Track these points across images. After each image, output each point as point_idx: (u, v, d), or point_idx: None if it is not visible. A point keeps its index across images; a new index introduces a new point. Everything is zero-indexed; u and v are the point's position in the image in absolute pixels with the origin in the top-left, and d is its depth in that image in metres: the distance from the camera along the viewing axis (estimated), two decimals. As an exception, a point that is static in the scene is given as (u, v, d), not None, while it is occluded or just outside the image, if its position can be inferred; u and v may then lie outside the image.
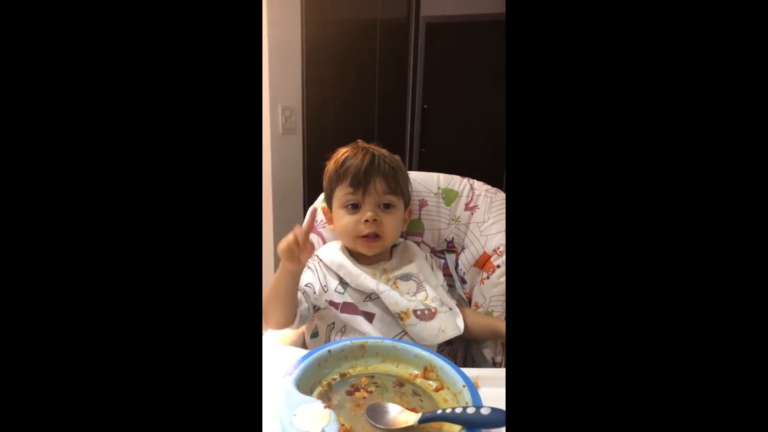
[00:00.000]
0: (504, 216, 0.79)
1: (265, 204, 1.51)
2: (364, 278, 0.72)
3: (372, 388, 0.53)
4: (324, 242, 0.83)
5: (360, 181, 0.71)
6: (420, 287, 0.74)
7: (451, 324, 0.71)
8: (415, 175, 0.84)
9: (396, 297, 0.70)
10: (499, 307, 0.78)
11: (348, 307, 0.72)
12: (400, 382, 0.55)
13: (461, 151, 3.44)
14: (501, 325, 0.73)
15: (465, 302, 0.84)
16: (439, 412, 0.45)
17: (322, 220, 0.84)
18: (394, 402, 0.49)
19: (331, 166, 0.75)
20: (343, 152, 0.75)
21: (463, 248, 0.84)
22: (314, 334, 0.76)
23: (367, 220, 0.71)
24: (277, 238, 1.53)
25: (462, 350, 0.83)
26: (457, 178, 0.85)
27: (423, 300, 0.72)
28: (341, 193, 0.73)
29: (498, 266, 0.78)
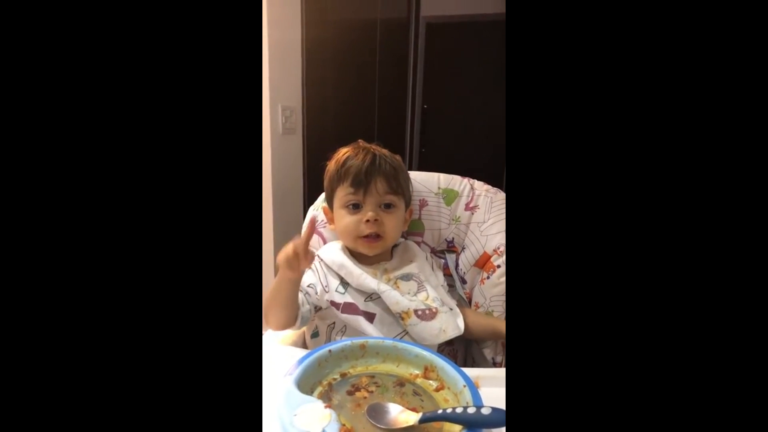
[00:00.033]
0: (504, 216, 0.79)
1: (265, 204, 1.51)
2: (365, 278, 0.72)
3: (372, 388, 0.53)
4: (324, 242, 0.83)
5: (361, 181, 0.71)
6: (421, 287, 0.74)
7: (451, 324, 0.71)
8: (415, 175, 0.84)
9: (397, 297, 0.70)
10: (499, 307, 0.78)
11: (349, 308, 0.72)
12: (401, 382, 0.55)
13: (461, 151, 3.44)
14: (501, 325, 0.73)
15: (465, 302, 0.84)
16: (440, 411, 0.45)
17: (322, 220, 0.84)
18: (394, 402, 0.49)
19: (332, 166, 0.75)
20: (344, 152, 0.75)
21: (463, 248, 0.84)
22: (315, 334, 0.76)
23: (368, 220, 0.71)
24: (277, 238, 1.54)
25: (462, 350, 0.83)
26: (457, 178, 0.85)
27: (424, 300, 0.72)
28: (342, 193, 0.73)
29: (498, 266, 0.78)
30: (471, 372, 0.52)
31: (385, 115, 2.61)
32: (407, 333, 0.71)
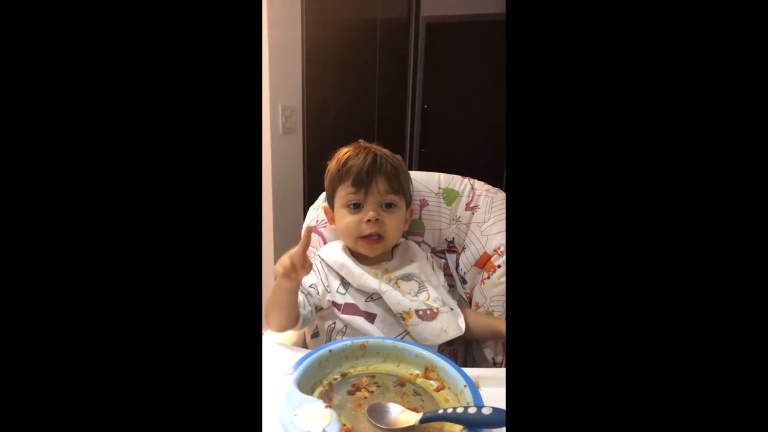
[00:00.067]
0: (505, 216, 0.79)
1: (265, 204, 1.51)
2: (366, 278, 0.72)
3: (373, 388, 0.53)
4: (325, 242, 0.83)
5: (362, 180, 0.71)
6: (422, 287, 0.74)
7: (453, 324, 0.71)
8: (415, 175, 0.84)
9: (398, 297, 0.70)
10: (499, 307, 0.78)
11: (349, 308, 0.72)
12: (401, 382, 0.55)
13: (461, 151, 3.44)
14: (501, 325, 0.73)
15: (465, 302, 0.84)
16: (441, 411, 0.45)
17: (322, 220, 0.84)
18: (395, 402, 0.49)
19: (332, 165, 0.75)
20: (345, 152, 0.75)
21: (463, 248, 0.84)
22: (315, 334, 0.76)
23: (369, 220, 0.71)
24: (277, 238, 1.54)
25: (462, 350, 0.83)
26: (457, 177, 0.85)
27: (425, 300, 0.72)
28: (343, 193, 0.73)
29: (499, 266, 0.78)
30: (471, 372, 0.52)
31: (385, 115, 2.61)
32: (408, 333, 0.71)
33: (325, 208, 0.81)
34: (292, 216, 1.62)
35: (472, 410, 0.43)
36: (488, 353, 0.79)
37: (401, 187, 0.75)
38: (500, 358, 0.77)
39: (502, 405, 0.41)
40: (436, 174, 0.85)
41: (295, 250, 0.58)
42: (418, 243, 0.84)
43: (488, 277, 0.79)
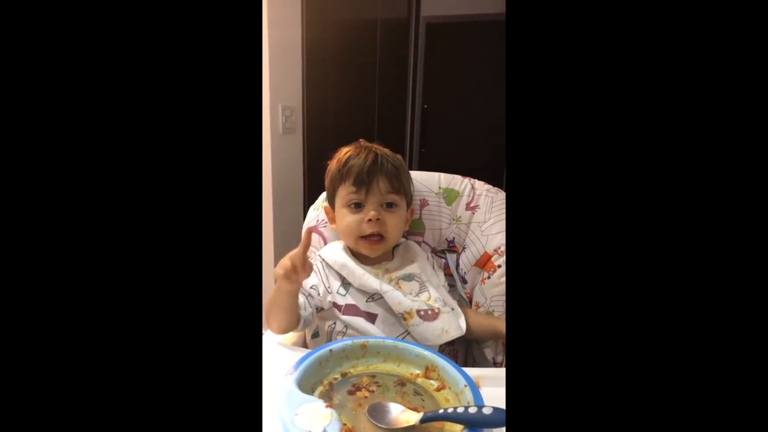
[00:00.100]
0: (505, 216, 0.79)
1: (265, 204, 1.51)
2: (368, 278, 0.72)
3: (373, 388, 0.53)
4: (325, 242, 0.83)
5: (363, 180, 0.71)
6: (423, 287, 0.74)
7: (454, 324, 0.71)
8: (416, 175, 0.84)
9: (399, 297, 0.70)
10: (500, 306, 0.78)
11: (350, 309, 0.72)
12: (402, 382, 0.55)
13: (461, 151, 3.44)
14: (502, 325, 0.73)
15: (466, 302, 0.84)
16: (441, 411, 0.45)
17: (323, 220, 0.84)
18: (395, 401, 0.49)
19: (333, 165, 0.75)
20: (345, 151, 0.75)
21: (464, 248, 0.84)
22: (315, 335, 0.76)
23: (370, 220, 0.71)
24: (277, 238, 1.54)
25: (463, 350, 0.83)
26: (458, 177, 0.85)
27: (426, 300, 0.72)
28: (344, 192, 0.73)
29: (499, 266, 0.78)
30: (472, 372, 0.52)
31: (385, 115, 2.61)
32: (409, 333, 0.71)
33: (325, 208, 0.81)
34: (292, 216, 1.62)
35: (472, 410, 0.43)
36: (488, 353, 0.79)
37: (402, 187, 0.75)
38: (500, 358, 0.77)
39: (503, 405, 0.41)
40: (436, 174, 0.85)
41: (295, 251, 0.58)
42: (419, 243, 0.84)
43: (488, 277, 0.79)
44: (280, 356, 0.62)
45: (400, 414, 0.47)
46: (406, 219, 0.78)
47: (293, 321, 0.67)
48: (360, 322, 0.71)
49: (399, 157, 0.77)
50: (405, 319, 0.70)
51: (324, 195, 0.83)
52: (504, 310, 0.77)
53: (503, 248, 0.78)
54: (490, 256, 0.79)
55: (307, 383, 0.51)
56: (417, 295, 0.73)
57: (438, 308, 0.71)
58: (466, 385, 0.49)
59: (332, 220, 0.79)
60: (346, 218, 0.73)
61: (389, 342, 0.59)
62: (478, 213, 0.82)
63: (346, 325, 0.72)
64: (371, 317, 0.71)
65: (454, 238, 0.84)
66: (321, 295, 0.72)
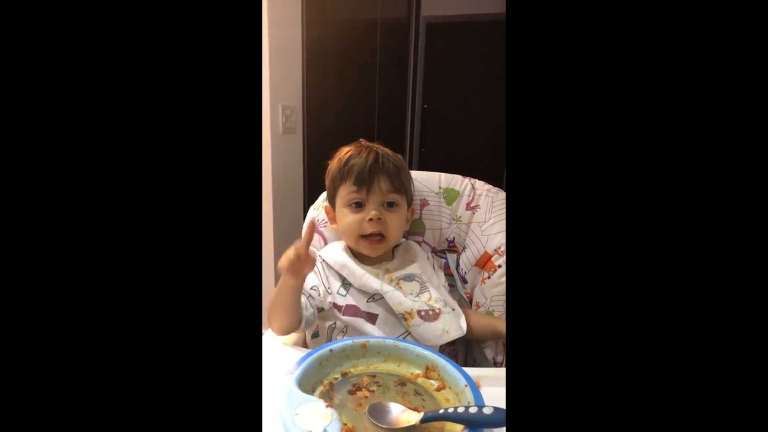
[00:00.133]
0: (505, 216, 0.79)
1: (265, 204, 1.51)
2: (368, 278, 0.72)
3: (374, 388, 0.53)
4: (326, 242, 0.83)
5: (364, 179, 0.71)
6: (423, 288, 0.74)
7: (454, 325, 0.71)
8: (416, 175, 0.84)
9: (400, 297, 0.70)
10: (500, 306, 0.78)
11: (350, 310, 0.72)
12: (402, 382, 0.55)
13: (461, 151, 3.44)
14: (502, 325, 0.73)
15: (466, 302, 0.84)
16: (441, 411, 0.45)
17: (323, 219, 0.84)
18: (396, 401, 0.49)
19: (334, 164, 0.75)
20: (346, 151, 0.75)
21: (464, 248, 0.84)
22: (315, 335, 0.76)
23: (371, 219, 0.71)
24: (277, 238, 1.54)
25: (463, 350, 0.83)
26: (458, 177, 0.85)
27: (427, 301, 0.72)
28: (345, 192, 0.73)
29: (499, 266, 0.78)
30: (472, 372, 0.52)
31: (385, 115, 2.61)
32: (410, 334, 0.71)
33: (326, 208, 0.81)
34: (292, 216, 1.62)
35: (472, 410, 0.43)
36: (489, 353, 0.79)
37: (403, 187, 0.75)
38: (501, 357, 0.77)
39: (503, 405, 0.41)
40: (436, 174, 0.85)
41: (299, 243, 0.58)
42: (419, 243, 0.84)
43: (489, 277, 0.79)
44: (280, 356, 0.62)
45: (401, 414, 0.47)
46: (406, 219, 0.78)
47: (296, 321, 0.67)
48: (360, 322, 0.71)
49: (399, 156, 0.77)
50: (406, 319, 0.70)
51: (324, 195, 0.83)
52: (504, 310, 0.77)
53: (503, 248, 0.78)
54: (491, 256, 0.79)
55: (307, 383, 0.51)
56: (418, 295, 0.73)
57: (439, 308, 0.71)
58: (466, 385, 0.49)
59: (333, 219, 0.79)
60: (347, 218, 0.73)
61: (390, 342, 0.59)
62: (479, 213, 0.82)
63: (347, 325, 0.72)
64: (372, 318, 0.71)
65: (454, 238, 0.84)
66: (321, 295, 0.72)
